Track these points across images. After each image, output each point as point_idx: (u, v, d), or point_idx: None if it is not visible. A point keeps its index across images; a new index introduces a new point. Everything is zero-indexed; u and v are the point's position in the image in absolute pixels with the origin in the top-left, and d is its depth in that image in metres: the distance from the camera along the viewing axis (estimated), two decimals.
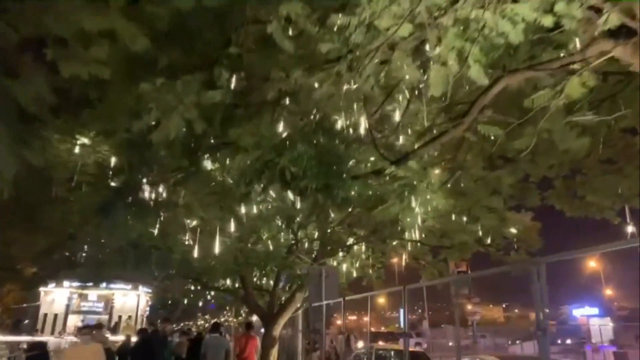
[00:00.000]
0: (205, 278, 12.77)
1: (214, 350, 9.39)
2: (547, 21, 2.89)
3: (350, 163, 4.45)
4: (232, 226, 8.55)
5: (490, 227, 8.76)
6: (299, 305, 12.21)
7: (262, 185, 4.20)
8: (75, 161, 7.12)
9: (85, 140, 6.13)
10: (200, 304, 44.13)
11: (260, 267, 11.15)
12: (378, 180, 4.75)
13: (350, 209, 7.33)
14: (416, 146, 4.40)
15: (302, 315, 12.17)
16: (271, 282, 13.33)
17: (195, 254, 9.55)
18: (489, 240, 10.92)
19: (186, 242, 9.91)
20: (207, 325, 31.60)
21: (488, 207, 6.89)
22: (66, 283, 23.97)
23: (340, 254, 12.80)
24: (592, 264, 48.38)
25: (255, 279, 13.20)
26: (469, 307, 33.07)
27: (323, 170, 3.97)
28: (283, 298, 12.86)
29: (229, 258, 11.73)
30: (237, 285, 13.83)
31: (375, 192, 5.58)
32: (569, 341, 37.61)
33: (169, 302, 39.76)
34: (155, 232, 7.99)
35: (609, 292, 47.14)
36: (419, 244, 12.41)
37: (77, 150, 6.46)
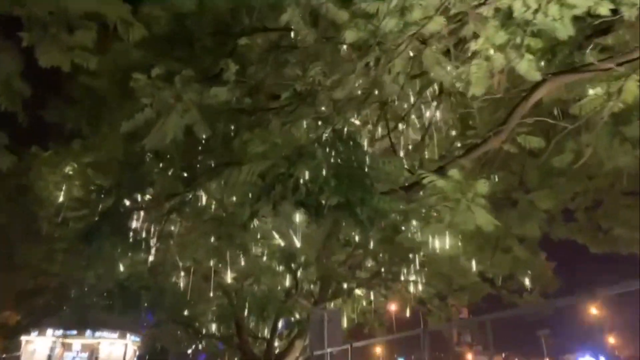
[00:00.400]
0: (198, 323, 11.96)
1: None
2: (604, 9, 2.52)
3: (375, 175, 3.91)
4: (229, 264, 7.93)
5: (508, 264, 8.22)
6: (298, 354, 11.37)
7: (271, 204, 3.64)
8: (60, 195, 6.63)
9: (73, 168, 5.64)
10: (190, 352, 42.43)
11: (257, 311, 10.41)
12: (411, 196, 4.19)
13: (370, 234, 6.58)
14: (456, 154, 3.91)
15: None
16: (268, 330, 12.53)
17: (188, 296, 8.88)
18: (499, 281, 10.36)
19: (179, 283, 9.26)
20: None
21: (518, 237, 6.26)
22: (49, 332, 22.73)
23: (341, 299, 12.11)
24: (594, 310, 47.26)
25: (251, 326, 12.38)
26: (473, 355, 31.80)
27: (344, 183, 3.45)
28: (280, 345, 12.03)
29: (224, 301, 11.02)
30: (231, 332, 12.99)
31: (402, 213, 4.91)
32: None
33: (159, 351, 38.08)
34: (146, 269, 7.35)
35: (612, 339, 45.75)
36: (424, 286, 11.80)
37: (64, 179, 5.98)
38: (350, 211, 3.50)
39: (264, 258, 9.11)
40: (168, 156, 4.20)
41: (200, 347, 31.09)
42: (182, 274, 8.48)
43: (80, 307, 9.73)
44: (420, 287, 11.52)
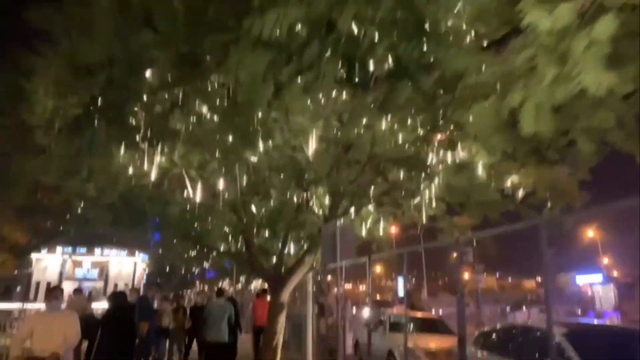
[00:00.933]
0: (206, 240, 11.76)
1: (216, 315, 9.77)
2: None
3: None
4: (238, 177, 7.43)
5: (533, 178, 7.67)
6: (307, 269, 11.24)
7: (306, 68, 2.92)
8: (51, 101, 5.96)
9: None
10: (197, 271, 43.72)
11: (268, 226, 10.09)
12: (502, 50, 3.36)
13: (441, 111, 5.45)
14: None
15: (312, 278, 11.21)
16: (277, 246, 12.37)
17: (196, 210, 8.49)
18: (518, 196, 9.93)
19: (185, 197, 8.83)
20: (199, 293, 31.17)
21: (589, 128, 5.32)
22: (59, 249, 23.05)
23: (350, 217, 11.76)
24: (590, 233, 48.05)
25: (260, 242, 12.19)
26: (473, 275, 32.50)
27: (408, 30, 2.66)
28: (293, 260, 11.89)
29: (233, 218, 10.69)
30: (240, 248, 12.87)
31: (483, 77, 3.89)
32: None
33: (167, 269, 39.20)
34: (150, 181, 6.86)
35: (608, 259, 46.87)
36: (437, 202, 11.41)
37: None
38: (412, 76, 2.76)
39: (274, 172, 8.63)
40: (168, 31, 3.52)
41: (207, 265, 31.88)
42: (189, 185, 8.02)
43: (86, 223, 9.42)
44: (433, 204, 11.09)
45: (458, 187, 9.98)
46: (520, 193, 9.69)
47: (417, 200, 11.37)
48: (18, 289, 23.57)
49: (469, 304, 37.81)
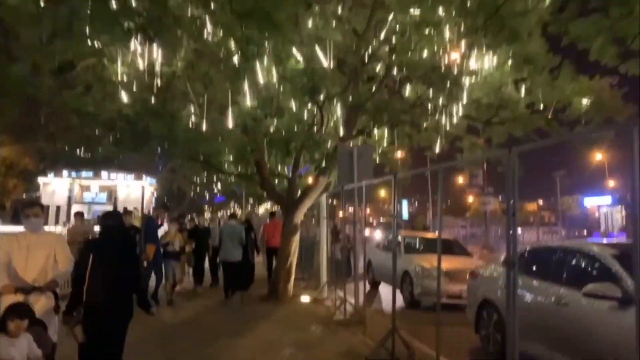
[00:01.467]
0: (215, 162, 11.26)
1: (228, 237, 10.24)
2: None
3: None
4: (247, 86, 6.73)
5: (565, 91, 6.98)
6: (321, 190, 10.80)
7: None
8: None
9: None
10: (207, 195, 44.03)
11: (281, 146, 9.51)
12: None
13: None
14: None
15: (326, 200, 10.83)
16: (289, 168, 11.89)
17: (203, 126, 7.88)
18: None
19: (191, 114, 8.20)
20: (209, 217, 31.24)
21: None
22: (65, 173, 22.76)
23: (364, 137, 11.11)
24: (599, 155, 47.40)
25: (272, 164, 11.69)
26: (482, 196, 32.42)
27: None
28: (306, 182, 11.44)
29: (243, 138, 10.08)
30: (250, 171, 12.42)
31: None
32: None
33: (176, 194, 39.40)
34: (151, 96, 6.18)
35: (620, 181, 46.51)
36: (459, 119, 10.72)
37: None
38: None
39: (287, 84, 7.89)
40: None
41: (216, 190, 31.55)
42: (194, 100, 7.35)
43: (88, 143, 8.86)
44: (454, 120, 10.37)
45: (487, 102, 9.26)
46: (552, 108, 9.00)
47: (437, 118, 10.69)
48: None
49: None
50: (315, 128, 9.94)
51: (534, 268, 6.20)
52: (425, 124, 11.17)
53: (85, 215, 19.47)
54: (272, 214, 14.36)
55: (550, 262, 5.67)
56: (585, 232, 37.47)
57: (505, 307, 6.36)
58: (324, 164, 9.78)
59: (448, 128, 10.71)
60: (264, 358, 5.98)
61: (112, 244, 3.96)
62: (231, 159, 11.41)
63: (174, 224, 10.31)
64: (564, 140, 9.44)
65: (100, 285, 3.72)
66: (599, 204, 40.98)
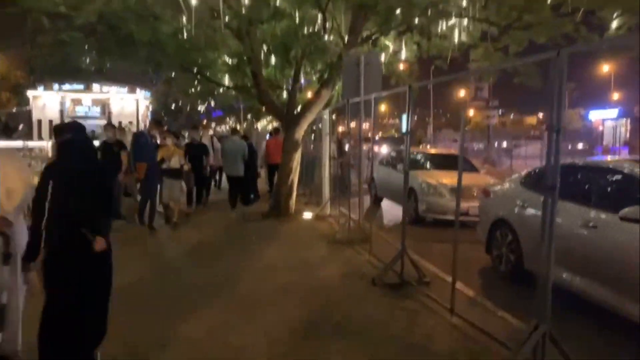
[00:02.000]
0: (209, 73, 10.46)
1: (230, 152, 10.38)
2: None
3: None
4: None
5: None
6: (324, 104, 10.14)
7: None
8: None
9: None
10: (203, 110, 42.96)
11: (280, 52, 8.69)
12: None
13: None
14: None
15: (329, 115, 10.20)
16: (288, 82, 11.10)
17: (192, 32, 7.06)
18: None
19: (179, 19, 7.33)
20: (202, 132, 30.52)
21: None
22: (55, 86, 21.80)
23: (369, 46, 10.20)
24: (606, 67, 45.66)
25: (270, 74, 10.88)
26: (487, 110, 31.56)
27: None
28: (307, 95, 10.75)
29: (238, 46, 9.23)
30: (247, 83, 11.65)
31: None
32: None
33: (173, 108, 38.37)
34: None
35: (628, 94, 45.28)
36: (474, 26, 9.78)
37: None
38: None
39: None
40: None
41: (213, 104, 30.68)
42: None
43: (61, 46, 7.98)
44: (470, 25, 9.46)
45: (510, 4, 8.30)
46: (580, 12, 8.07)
47: (452, 22, 9.74)
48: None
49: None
50: (318, 32, 9.05)
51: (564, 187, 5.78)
52: (438, 30, 10.25)
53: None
54: (275, 130, 14.05)
55: (577, 181, 5.22)
56: (587, 146, 37.09)
57: (519, 226, 6.11)
58: (327, 75, 9.03)
59: (463, 34, 9.83)
60: (267, 281, 5.74)
61: (71, 166, 3.01)
62: (225, 69, 10.58)
63: (169, 137, 9.20)
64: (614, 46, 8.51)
65: (56, 221, 2.87)
66: (604, 117, 40.21)
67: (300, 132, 10.09)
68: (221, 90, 13.81)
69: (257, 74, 10.06)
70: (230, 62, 10.25)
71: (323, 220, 9.78)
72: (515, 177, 6.91)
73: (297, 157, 10.22)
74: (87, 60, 9.48)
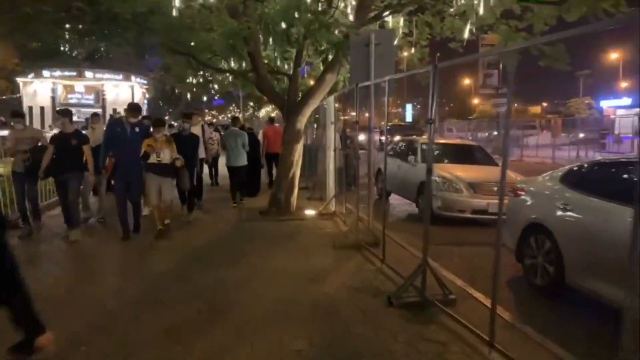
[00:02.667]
0: (201, 55, 9.50)
1: (232, 143, 10.16)
2: None
3: None
4: None
5: None
6: (328, 89, 9.20)
7: None
8: None
9: None
10: (205, 99, 41.86)
11: (278, 31, 7.73)
12: None
13: None
14: None
15: (334, 102, 9.25)
16: (289, 65, 10.14)
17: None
18: None
19: None
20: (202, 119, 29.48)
21: None
22: (46, 72, 20.92)
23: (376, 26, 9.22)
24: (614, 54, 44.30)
25: (270, 56, 9.94)
26: (496, 98, 30.45)
27: None
28: (310, 81, 9.79)
29: (232, 25, 8.26)
30: (245, 68, 10.70)
31: None
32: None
33: (171, 96, 37.31)
34: None
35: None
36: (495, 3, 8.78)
37: None
38: None
39: None
40: None
41: (213, 91, 29.54)
42: None
43: (38, 28, 7.05)
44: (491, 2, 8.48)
45: None
46: None
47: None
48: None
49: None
50: (323, 11, 8.07)
51: (600, 187, 4.87)
52: (452, 9, 9.27)
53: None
54: (270, 119, 13.90)
55: (625, 179, 4.31)
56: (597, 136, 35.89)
57: (561, 232, 5.18)
58: (331, 56, 8.06)
59: (481, 11, 8.83)
60: (262, 298, 4.86)
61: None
62: (221, 51, 9.61)
63: (159, 128, 7.25)
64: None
65: None
66: (616, 106, 39.02)
67: (302, 121, 9.16)
68: (219, 77, 12.90)
69: (254, 56, 9.13)
70: (225, 43, 9.28)
71: (328, 219, 8.90)
72: (553, 173, 5.97)
73: (299, 148, 9.31)
74: (67, 44, 8.55)
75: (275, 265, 5.92)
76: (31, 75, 21.17)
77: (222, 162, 12.44)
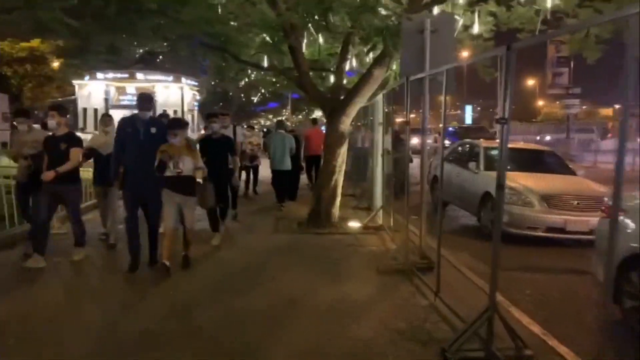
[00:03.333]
0: (237, 50, 8.73)
1: (278, 147, 10.21)
2: None
3: None
4: None
5: None
6: (377, 86, 8.15)
7: None
8: None
9: None
10: (257, 100, 41.70)
11: (318, 22, 6.77)
12: None
13: None
14: None
15: (383, 100, 8.17)
16: (335, 60, 9.17)
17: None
18: None
19: None
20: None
21: None
22: (100, 75, 21.19)
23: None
24: None
25: (312, 50, 9.01)
26: (566, 99, 27.97)
27: None
28: (356, 78, 8.78)
29: (270, 15, 7.43)
30: (286, 65, 9.87)
31: None
32: None
33: (225, 99, 37.38)
34: None
35: None
36: None
37: None
38: None
39: None
40: None
41: (262, 92, 28.77)
42: None
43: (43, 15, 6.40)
44: None
45: None
46: None
47: None
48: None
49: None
50: None
51: None
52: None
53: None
54: (313, 121, 13.92)
55: None
56: None
57: None
58: (380, 46, 6.98)
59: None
60: (280, 338, 3.90)
61: None
62: (259, 45, 8.81)
63: (175, 130, 5.43)
64: None
65: None
66: None
67: (346, 122, 8.15)
68: (259, 73, 12.18)
69: (295, 50, 8.24)
70: (263, 38, 8.46)
71: (373, 233, 7.83)
72: None
73: (343, 153, 8.29)
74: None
75: (305, 295, 4.93)
76: (87, 77, 21.50)
77: (262, 168, 11.61)
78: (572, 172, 8.96)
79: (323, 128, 12.08)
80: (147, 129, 5.50)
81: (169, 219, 5.51)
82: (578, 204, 7.52)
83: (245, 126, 14.21)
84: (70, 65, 21.41)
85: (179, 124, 5.64)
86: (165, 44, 11.50)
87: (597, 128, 31.68)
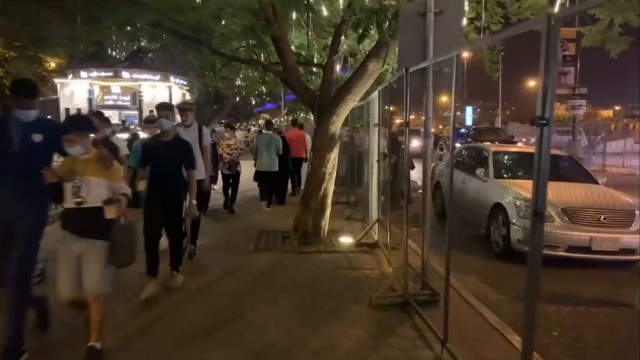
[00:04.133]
0: (210, 38, 7.70)
1: (264, 147, 9.95)
2: None
3: None
4: None
5: None
6: (370, 82, 7.10)
7: None
8: None
9: None
10: (255, 101, 40.55)
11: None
12: None
13: None
14: None
15: (379, 98, 7.11)
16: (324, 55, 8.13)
17: None
18: None
19: None
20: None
21: None
22: (83, 73, 20.16)
23: None
24: None
25: (297, 41, 7.97)
26: (572, 99, 26.79)
27: None
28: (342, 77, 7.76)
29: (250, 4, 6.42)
30: (271, 59, 8.86)
31: None
32: None
33: (215, 97, 36.16)
34: None
35: None
36: None
37: None
38: None
39: None
40: None
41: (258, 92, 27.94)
42: None
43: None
44: None
45: None
46: None
47: None
48: (49, 117, 21.59)
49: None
50: None
51: None
52: None
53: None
54: (293, 122, 13.43)
55: None
56: None
57: None
58: (375, 35, 5.95)
59: None
60: None
61: None
62: (241, 36, 7.77)
63: (77, 132, 3.44)
64: None
65: None
66: None
67: (337, 123, 7.10)
68: (247, 70, 11.22)
69: (279, 41, 7.23)
70: (244, 26, 7.43)
71: (367, 252, 6.78)
72: None
73: (333, 158, 7.24)
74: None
75: (273, 340, 3.89)
76: (70, 76, 20.46)
77: (244, 175, 10.17)
78: (594, 180, 7.92)
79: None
80: (26, 136, 3.41)
81: (65, 283, 3.36)
82: (604, 218, 6.48)
83: (223, 125, 13.09)
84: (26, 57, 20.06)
85: (79, 124, 3.49)
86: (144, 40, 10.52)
87: (583, 130, 30.60)
